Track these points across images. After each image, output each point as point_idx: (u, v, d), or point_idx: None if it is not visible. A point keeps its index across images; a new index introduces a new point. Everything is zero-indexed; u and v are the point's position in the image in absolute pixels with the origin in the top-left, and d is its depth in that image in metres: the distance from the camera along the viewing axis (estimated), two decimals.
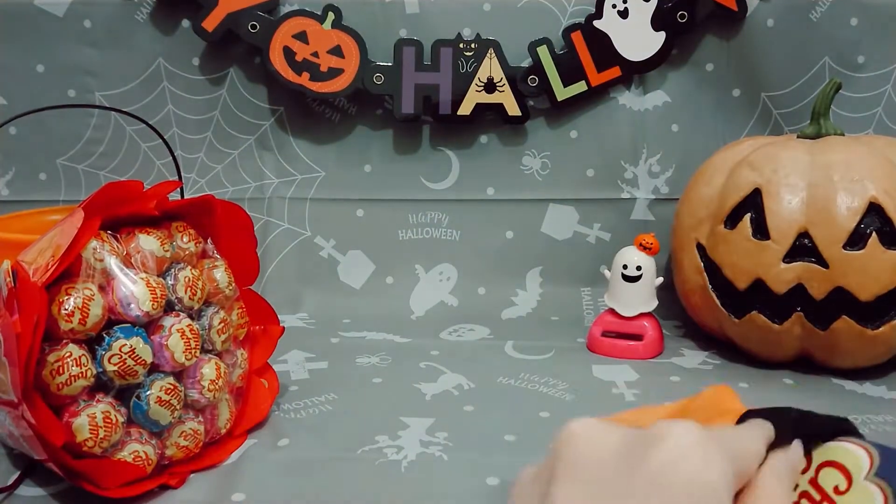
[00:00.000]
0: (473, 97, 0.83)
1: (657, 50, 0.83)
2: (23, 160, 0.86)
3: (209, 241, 0.54)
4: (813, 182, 0.64)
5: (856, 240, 0.62)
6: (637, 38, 0.83)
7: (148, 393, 0.46)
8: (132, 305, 0.46)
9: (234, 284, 0.54)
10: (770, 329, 0.65)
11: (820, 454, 0.33)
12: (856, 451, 0.32)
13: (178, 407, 0.48)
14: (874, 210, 0.62)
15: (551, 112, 0.86)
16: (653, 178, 0.87)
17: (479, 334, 0.79)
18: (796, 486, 0.33)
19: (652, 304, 0.73)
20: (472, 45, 0.82)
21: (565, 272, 0.88)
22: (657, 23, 0.82)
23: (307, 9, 0.82)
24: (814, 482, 0.33)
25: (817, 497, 0.32)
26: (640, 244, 0.72)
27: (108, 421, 0.44)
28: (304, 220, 0.87)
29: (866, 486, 0.31)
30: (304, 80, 0.82)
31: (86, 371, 0.44)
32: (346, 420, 0.57)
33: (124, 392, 0.47)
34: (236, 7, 0.81)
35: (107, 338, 0.45)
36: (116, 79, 0.85)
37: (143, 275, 0.47)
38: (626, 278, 0.72)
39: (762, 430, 0.33)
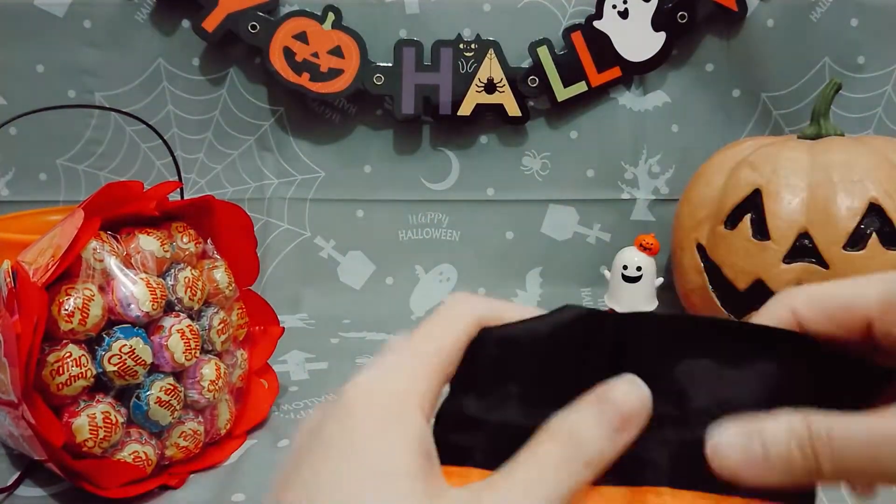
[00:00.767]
0: (473, 98, 0.83)
1: (657, 50, 0.83)
2: (23, 160, 0.86)
3: (209, 241, 0.54)
4: (813, 182, 0.64)
5: (856, 240, 0.62)
6: (637, 39, 0.83)
7: (148, 393, 0.46)
8: (132, 306, 0.46)
9: (233, 285, 0.54)
10: None
11: None
12: None
13: (177, 407, 0.48)
14: (874, 210, 0.62)
15: (551, 112, 0.86)
16: (653, 179, 0.87)
17: None
18: None
19: (652, 305, 0.72)
20: (472, 46, 0.82)
21: (565, 273, 0.88)
22: (657, 23, 0.82)
23: (307, 9, 0.82)
24: None
25: None
26: (641, 245, 0.72)
27: (108, 421, 0.44)
28: (304, 220, 0.87)
29: None
30: (304, 80, 0.82)
31: (86, 371, 0.44)
32: None
33: (124, 392, 0.47)
34: (236, 7, 0.81)
35: (107, 338, 0.45)
36: (116, 79, 0.85)
37: (143, 275, 0.47)
38: (627, 279, 0.72)
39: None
